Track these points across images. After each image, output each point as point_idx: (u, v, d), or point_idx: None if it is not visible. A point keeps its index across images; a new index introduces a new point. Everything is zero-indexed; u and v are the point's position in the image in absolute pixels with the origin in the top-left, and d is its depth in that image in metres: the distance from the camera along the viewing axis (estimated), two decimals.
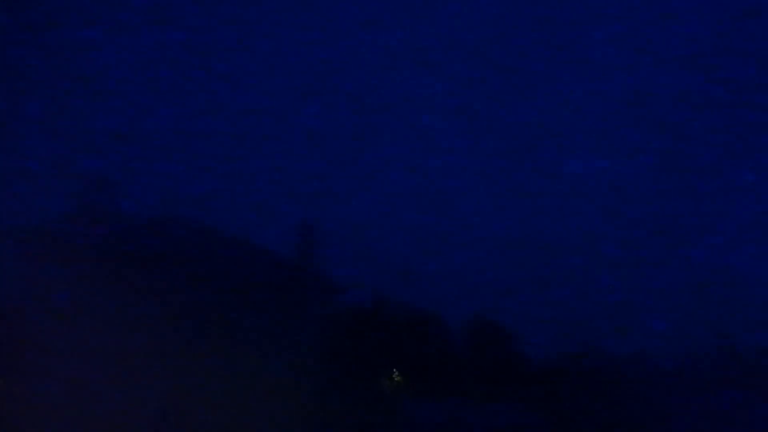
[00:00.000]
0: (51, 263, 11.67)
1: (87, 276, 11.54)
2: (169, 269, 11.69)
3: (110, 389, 11.23)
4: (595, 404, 13.30)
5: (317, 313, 12.47)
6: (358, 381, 13.26)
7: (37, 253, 11.97)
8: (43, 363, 11.11)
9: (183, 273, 11.95)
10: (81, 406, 11.06)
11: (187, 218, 13.02)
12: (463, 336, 17.87)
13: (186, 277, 11.90)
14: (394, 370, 14.09)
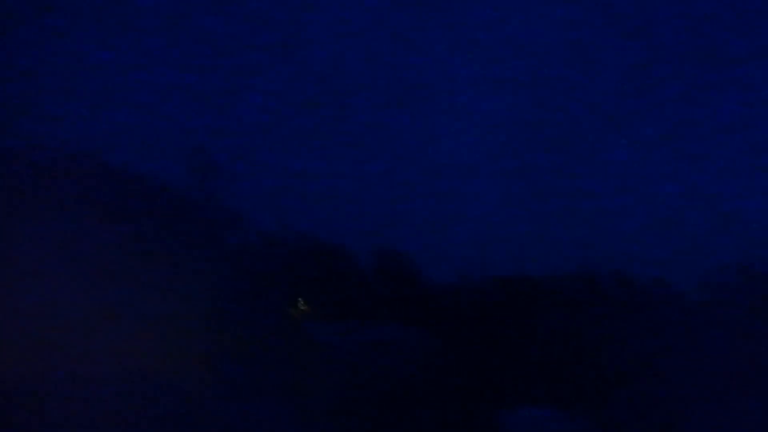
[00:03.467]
0: None
1: None
2: (71, 207, 11.88)
3: None
4: (483, 325, 14.25)
5: (221, 244, 12.95)
6: (264, 309, 13.98)
7: None
8: None
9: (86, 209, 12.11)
10: None
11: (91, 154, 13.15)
12: (369, 265, 18.73)
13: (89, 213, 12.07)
14: (300, 298, 14.88)
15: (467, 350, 13.78)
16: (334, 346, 12.96)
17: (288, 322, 14.01)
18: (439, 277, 18.85)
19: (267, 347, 12.93)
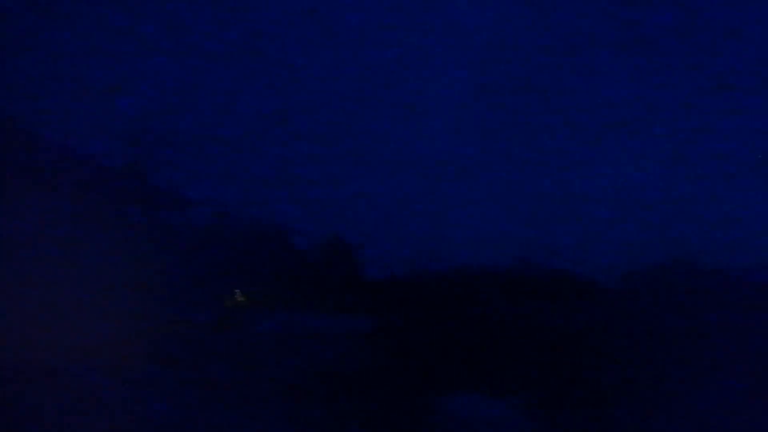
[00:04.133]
0: None
1: None
2: None
3: None
4: (426, 315, 13.66)
5: (159, 227, 11.88)
6: (201, 297, 12.96)
7: None
8: None
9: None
10: None
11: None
12: (315, 253, 17.79)
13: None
14: (238, 287, 13.85)
15: (409, 340, 13.24)
16: (273, 337, 12.14)
17: (225, 312, 13.08)
18: (385, 267, 18.08)
19: (200, 338, 11.95)
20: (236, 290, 14.15)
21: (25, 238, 11.56)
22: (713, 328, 13.57)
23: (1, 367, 11.02)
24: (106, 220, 12.31)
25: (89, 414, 8.99)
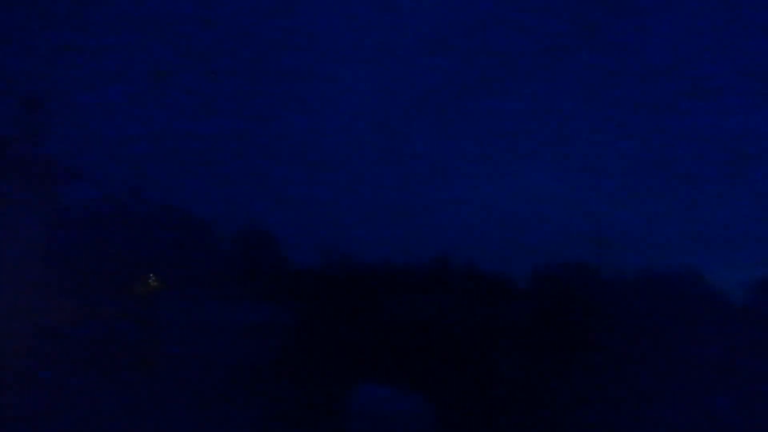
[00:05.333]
0: None
1: None
2: None
3: None
4: (338, 307, 14.16)
5: (53, 203, 11.75)
6: (110, 284, 13.02)
7: None
8: None
9: None
10: None
11: None
12: (232, 242, 18.05)
13: None
14: (151, 273, 13.94)
15: (321, 330, 13.70)
16: (183, 324, 12.29)
17: (132, 298, 13.16)
18: (300, 257, 18.53)
19: (105, 325, 12.02)
20: (150, 276, 14.16)
21: None
22: (618, 323, 14.34)
23: None
24: (8, 198, 12.15)
25: None
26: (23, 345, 10.10)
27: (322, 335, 13.64)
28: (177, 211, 15.02)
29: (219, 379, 12.22)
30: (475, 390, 13.24)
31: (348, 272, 15.05)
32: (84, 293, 11.50)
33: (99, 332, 11.08)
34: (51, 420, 10.36)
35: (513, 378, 13.33)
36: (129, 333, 11.87)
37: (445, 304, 14.00)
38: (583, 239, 15.95)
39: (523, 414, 12.76)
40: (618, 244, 15.23)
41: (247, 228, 16.11)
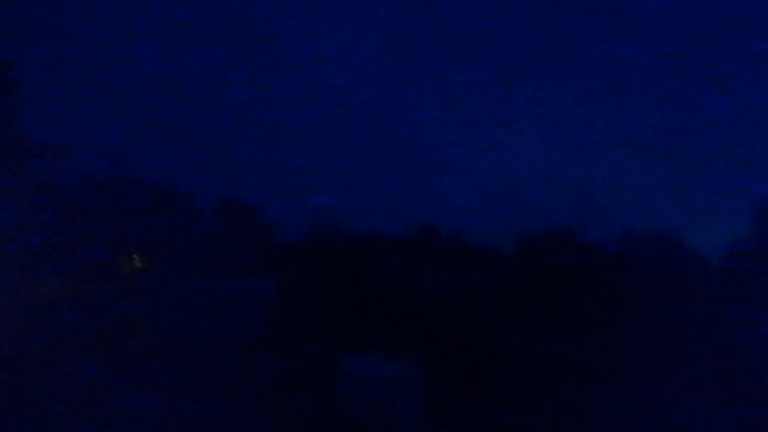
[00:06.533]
0: None
1: None
2: None
3: None
4: (326, 277, 13.78)
5: (35, 180, 11.30)
6: (91, 260, 12.53)
7: None
8: None
9: None
10: None
11: None
12: (214, 215, 17.55)
13: None
14: (134, 250, 13.46)
15: (308, 300, 13.39)
16: (170, 298, 11.90)
17: (116, 275, 12.69)
18: (288, 228, 18.02)
19: (90, 306, 11.54)
20: (132, 251, 13.66)
21: None
22: (607, 288, 13.88)
23: None
24: None
25: None
26: (6, 328, 9.65)
27: (308, 305, 13.39)
28: (156, 187, 14.53)
29: (207, 353, 11.87)
30: (465, 354, 13.08)
31: (338, 241, 14.70)
32: (65, 274, 11.02)
33: (83, 314, 10.60)
34: (39, 404, 9.91)
35: (502, 343, 13.18)
36: (115, 313, 11.42)
37: (431, 270, 13.75)
38: (571, 202, 15.63)
39: (512, 380, 12.60)
40: (607, 206, 14.92)
41: (229, 199, 15.71)
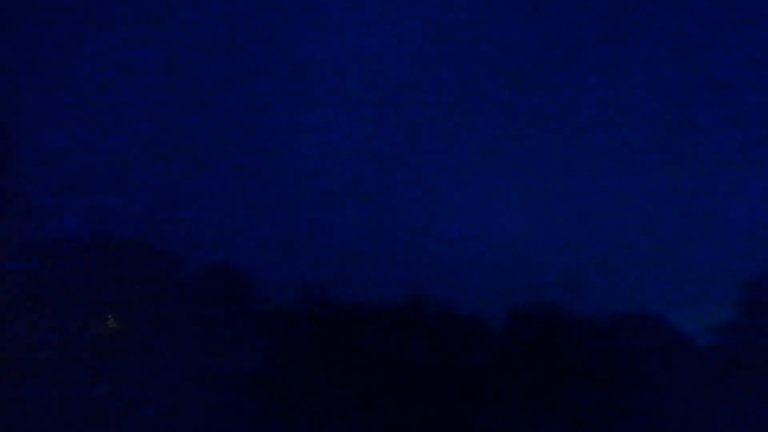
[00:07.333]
0: None
1: None
2: None
3: None
4: (316, 347, 13.79)
5: (21, 239, 11.25)
6: (70, 324, 12.43)
7: None
8: None
9: None
10: None
11: None
12: (199, 279, 17.47)
13: None
14: (110, 314, 13.36)
15: (291, 371, 13.43)
16: (141, 372, 11.74)
17: (91, 340, 12.56)
18: (273, 296, 18.01)
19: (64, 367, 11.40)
20: (108, 315, 13.25)
21: None
22: (595, 363, 13.69)
23: None
24: None
25: None
26: None
27: (294, 376, 13.31)
28: (141, 245, 14.49)
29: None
30: (451, 428, 13.15)
31: (321, 310, 14.66)
32: (36, 330, 10.92)
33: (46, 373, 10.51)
34: None
35: (489, 417, 13.23)
36: (79, 381, 11.21)
37: (419, 343, 13.81)
38: (561, 279, 15.89)
39: None
40: (596, 284, 15.17)
41: (216, 264, 15.65)
